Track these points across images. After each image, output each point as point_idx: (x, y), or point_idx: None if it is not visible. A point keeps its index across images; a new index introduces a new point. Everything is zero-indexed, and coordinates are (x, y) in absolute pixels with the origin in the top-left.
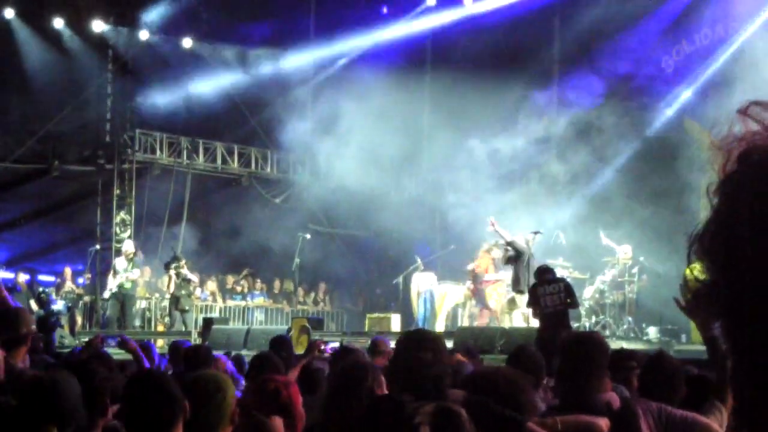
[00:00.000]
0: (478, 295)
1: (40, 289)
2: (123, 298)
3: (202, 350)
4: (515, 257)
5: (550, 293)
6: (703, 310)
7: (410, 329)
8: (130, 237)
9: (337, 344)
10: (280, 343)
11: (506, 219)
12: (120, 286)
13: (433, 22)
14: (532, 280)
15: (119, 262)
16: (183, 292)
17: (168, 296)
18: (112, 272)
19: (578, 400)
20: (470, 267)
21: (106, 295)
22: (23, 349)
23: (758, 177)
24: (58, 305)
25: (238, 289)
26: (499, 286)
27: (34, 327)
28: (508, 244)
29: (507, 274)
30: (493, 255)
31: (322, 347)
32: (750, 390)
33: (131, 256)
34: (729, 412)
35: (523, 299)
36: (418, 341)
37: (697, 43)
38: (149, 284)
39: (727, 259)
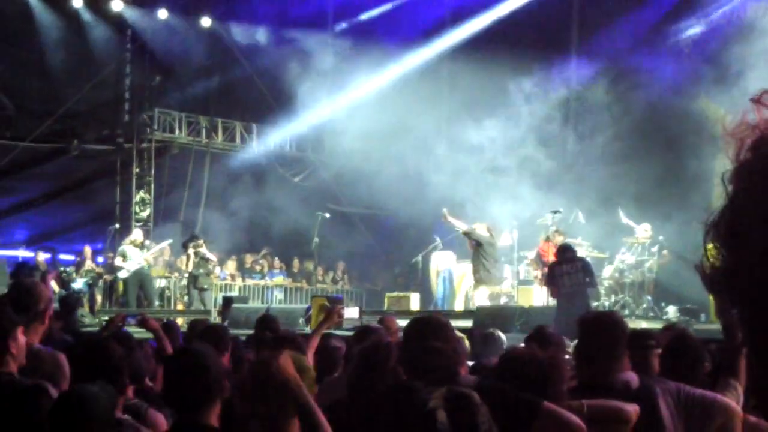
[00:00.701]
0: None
1: (61, 269)
2: (143, 278)
3: (218, 329)
4: (476, 246)
5: (567, 272)
6: (722, 291)
7: (418, 315)
8: (149, 216)
9: (355, 311)
10: (267, 321)
11: (524, 198)
12: (139, 268)
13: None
14: (495, 269)
15: (130, 250)
16: (201, 270)
17: (186, 275)
18: (120, 258)
19: (597, 380)
20: (532, 255)
21: (123, 275)
22: (40, 326)
23: None
24: (79, 284)
25: (257, 268)
26: None
27: (52, 304)
28: (465, 234)
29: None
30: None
31: (341, 312)
32: (763, 376)
33: (139, 243)
34: (743, 387)
35: (481, 288)
36: (428, 329)
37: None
38: (168, 263)
39: (742, 247)
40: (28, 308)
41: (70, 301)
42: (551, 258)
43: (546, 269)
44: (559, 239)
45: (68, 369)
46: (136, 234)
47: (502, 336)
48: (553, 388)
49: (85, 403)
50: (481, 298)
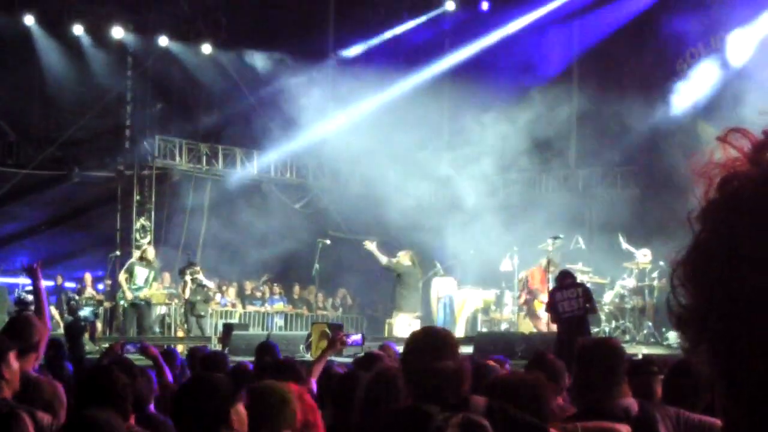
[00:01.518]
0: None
1: (69, 295)
2: (142, 308)
3: (218, 356)
4: (396, 276)
5: (567, 298)
6: (687, 329)
7: (419, 331)
8: (150, 243)
9: (359, 337)
10: (266, 348)
11: (526, 222)
12: (140, 298)
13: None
14: (412, 297)
15: (138, 269)
16: (198, 297)
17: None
18: (127, 275)
19: (596, 406)
20: (523, 276)
21: (123, 300)
22: (33, 356)
23: (737, 205)
24: (86, 312)
25: (258, 294)
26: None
27: (47, 334)
28: (385, 267)
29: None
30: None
31: (345, 339)
32: (735, 414)
33: (150, 258)
34: None
35: (400, 316)
36: (436, 347)
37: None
38: (169, 290)
39: (708, 287)
40: (23, 338)
41: (74, 329)
42: (536, 285)
43: (528, 294)
44: (551, 269)
45: (65, 398)
46: (147, 249)
47: None
48: (544, 410)
49: (94, 429)
50: (402, 326)
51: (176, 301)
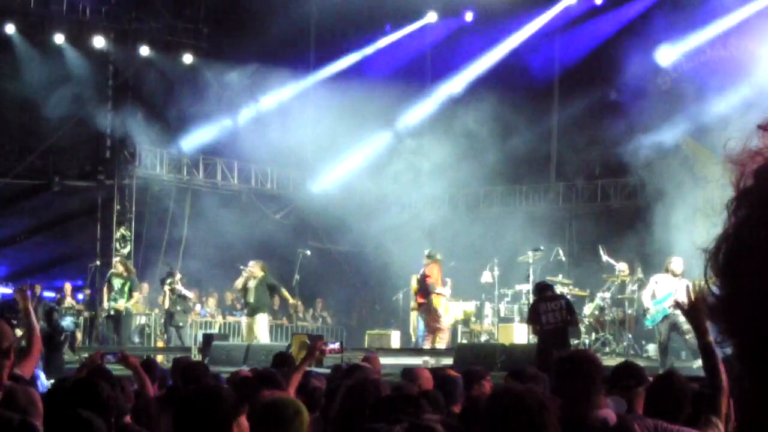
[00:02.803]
0: (426, 310)
1: (50, 305)
2: (118, 317)
3: (198, 367)
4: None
5: (552, 310)
6: (720, 321)
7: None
8: (129, 253)
9: (337, 345)
10: (283, 359)
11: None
12: (114, 308)
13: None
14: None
15: (115, 280)
16: (178, 308)
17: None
18: (106, 286)
19: (575, 418)
20: (416, 278)
21: (104, 312)
22: (6, 362)
23: None
24: (66, 321)
25: (238, 305)
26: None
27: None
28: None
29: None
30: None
31: (324, 347)
32: (763, 408)
33: (120, 272)
34: (724, 424)
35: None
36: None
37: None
38: (148, 300)
39: (741, 276)
40: None
41: (54, 341)
42: (434, 279)
43: (423, 294)
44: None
45: (41, 405)
46: (117, 263)
47: None
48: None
49: (84, 426)
50: (263, 325)
51: (156, 311)
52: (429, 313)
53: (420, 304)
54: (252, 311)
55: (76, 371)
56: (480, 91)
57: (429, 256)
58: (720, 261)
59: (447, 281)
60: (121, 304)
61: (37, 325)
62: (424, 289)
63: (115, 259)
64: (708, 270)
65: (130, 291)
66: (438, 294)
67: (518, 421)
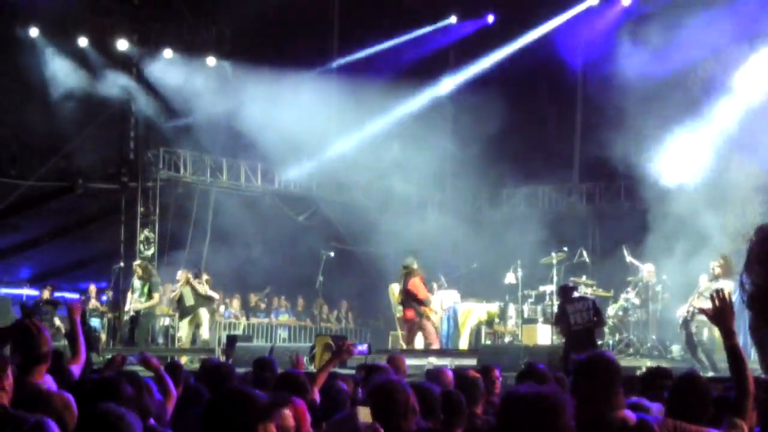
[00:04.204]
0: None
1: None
2: (137, 318)
3: (223, 369)
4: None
5: (579, 310)
6: (760, 309)
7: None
8: (153, 254)
9: (365, 347)
10: (263, 363)
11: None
12: (134, 310)
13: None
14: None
15: (136, 282)
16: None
17: None
18: (130, 290)
19: (594, 419)
20: (399, 290)
21: (126, 316)
22: (43, 367)
23: None
24: (94, 323)
25: (262, 306)
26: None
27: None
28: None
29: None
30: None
31: (351, 348)
32: None
33: (140, 275)
34: (749, 427)
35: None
36: None
37: None
38: (173, 301)
39: None
40: (31, 350)
41: (88, 338)
42: (423, 294)
43: (415, 311)
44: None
45: (76, 410)
46: (137, 266)
47: None
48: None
49: (115, 420)
50: (206, 321)
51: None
52: (421, 324)
53: (408, 320)
54: (192, 310)
55: (100, 372)
56: (503, 90)
57: (405, 267)
58: (763, 250)
59: (435, 284)
60: (140, 304)
61: (84, 348)
62: (412, 304)
63: (135, 263)
64: (749, 258)
65: (150, 292)
66: (431, 309)
67: (531, 423)
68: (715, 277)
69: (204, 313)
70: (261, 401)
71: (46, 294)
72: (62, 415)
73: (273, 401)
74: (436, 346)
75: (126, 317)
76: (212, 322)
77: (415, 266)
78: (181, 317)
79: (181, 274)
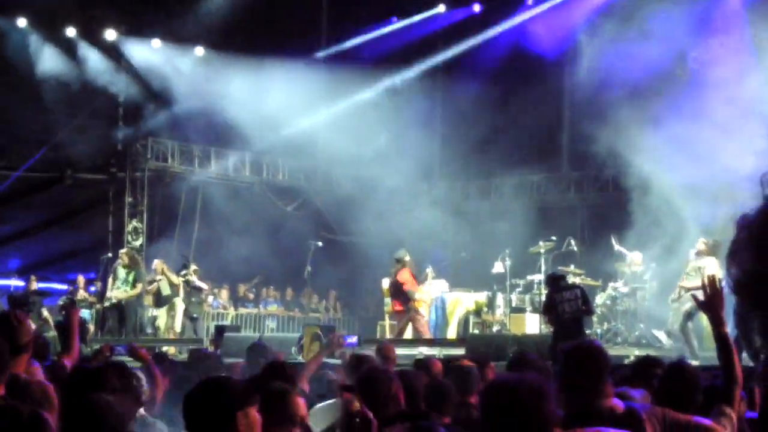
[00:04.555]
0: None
1: (70, 299)
2: (121, 307)
3: (211, 357)
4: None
5: (568, 299)
6: (748, 295)
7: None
8: (142, 245)
9: (355, 339)
10: (257, 349)
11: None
12: (116, 298)
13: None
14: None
15: (120, 272)
16: (192, 299)
17: None
18: (112, 276)
19: (583, 408)
20: (389, 283)
21: (107, 303)
22: (25, 357)
23: None
24: (83, 313)
25: (251, 296)
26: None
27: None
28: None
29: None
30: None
31: (342, 340)
32: None
33: (126, 264)
34: (737, 416)
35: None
36: None
37: None
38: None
39: None
40: (13, 340)
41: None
42: (410, 286)
43: (402, 302)
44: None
45: (56, 400)
46: (123, 254)
47: None
48: (543, 416)
49: (98, 411)
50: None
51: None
52: (411, 318)
53: (397, 312)
54: (166, 301)
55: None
56: (491, 79)
57: (398, 260)
58: (750, 235)
59: (427, 273)
60: (124, 293)
61: (78, 343)
62: (400, 296)
63: (122, 251)
64: (735, 243)
65: (134, 281)
66: (419, 300)
67: (513, 411)
68: (699, 254)
69: (179, 302)
70: (239, 389)
71: (33, 285)
72: (41, 404)
73: (270, 389)
74: (424, 330)
75: (107, 303)
76: (201, 312)
77: (407, 259)
78: (158, 307)
79: (156, 264)
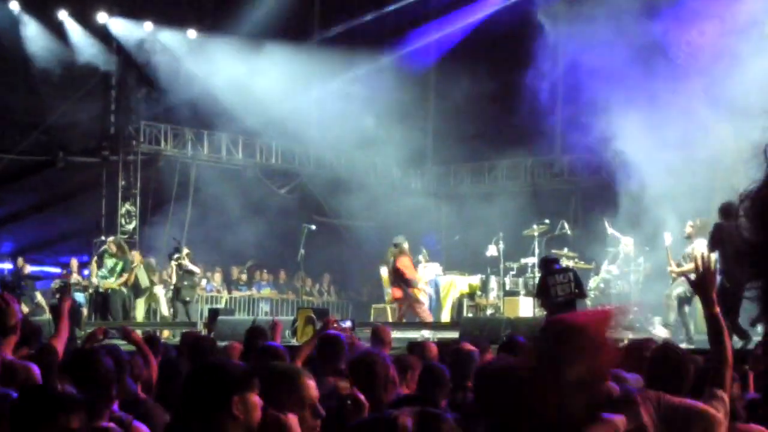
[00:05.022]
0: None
1: (64, 282)
2: (106, 296)
3: (205, 341)
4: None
5: (560, 282)
6: (750, 264)
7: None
8: (135, 228)
9: (349, 323)
10: (256, 332)
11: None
12: (103, 286)
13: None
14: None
15: (108, 259)
16: (185, 283)
17: (172, 288)
18: (95, 261)
19: None
20: (387, 271)
21: (91, 290)
22: (12, 339)
23: None
24: (78, 297)
25: (244, 279)
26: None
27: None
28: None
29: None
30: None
31: (336, 324)
32: None
33: (113, 251)
34: (729, 398)
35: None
36: None
37: None
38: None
39: None
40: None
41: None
42: (411, 274)
43: (402, 288)
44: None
45: (40, 380)
46: (111, 243)
47: None
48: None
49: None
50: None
51: (162, 286)
52: (409, 305)
53: (397, 299)
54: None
55: (80, 346)
56: (484, 62)
57: (396, 246)
58: (754, 206)
59: (420, 257)
60: (111, 283)
61: (68, 326)
62: (400, 283)
63: (110, 239)
64: (740, 213)
65: (122, 271)
66: (419, 289)
67: (505, 395)
68: (688, 237)
69: (159, 290)
70: (236, 372)
71: (26, 269)
72: (25, 384)
73: (278, 369)
74: (425, 315)
75: (91, 290)
76: (193, 295)
77: (406, 245)
78: (136, 297)
79: (135, 255)
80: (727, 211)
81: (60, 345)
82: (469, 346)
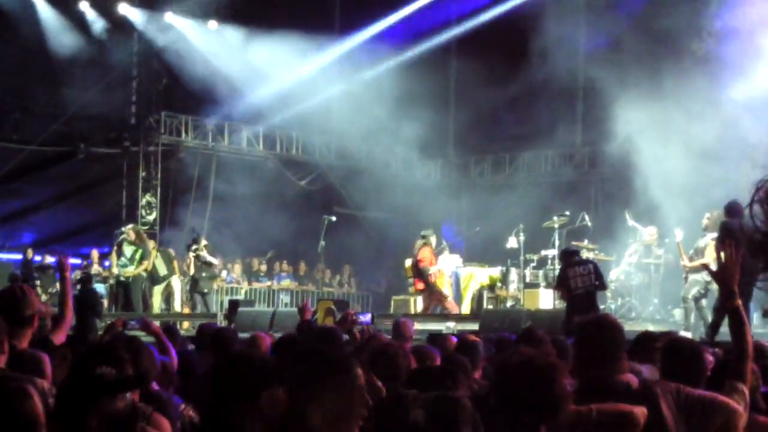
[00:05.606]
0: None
1: (87, 273)
2: (127, 284)
3: (227, 333)
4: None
5: (580, 274)
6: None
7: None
8: (155, 219)
9: (368, 317)
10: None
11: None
12: (124, 275)
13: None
14: None
15: (126, 248)
16: (204, 274)
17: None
18: (115, 250)
19: (598, 383)
20: (411, 263)
21: (112, 280)
22: (28, 330)
23: None
24: (98, 288)
25: (264, 270)
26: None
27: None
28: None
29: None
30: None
31: (355, 317)
32: None
33: (132, 239)
34: (750, 390)
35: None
36: None
37: None
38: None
39: None
40: (16, 312)
41: (90, 303)
42: (428, 264)
43: (421, 279)
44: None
45: (49, 368)
46: (130, 230)
47: None
48: (555, 392)
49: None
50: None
51: (182, 277)
52: (432, 296)
53: (420, 290)
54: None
55: (99, 338)
56: (503, 53)
57: (423, 237)
58: None
59: (443, 250)
60: (131, 270)
61: (71, 296)
62: (421, 275)
63: (128, 227)
64: (756, 204)
65: (141, 259)
66: (432, 274)
67: (526, 387)
68: (704, 229)
69: (175, 281)
70: (267, 366)
71: (45, 257)
72: (33, 372)
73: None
74: (448, 305)
75: (112, 281)
76: (211, 287)
77: (433, 239)
78: (153, 285)
79: (150, 243)
80: (732, 209)
81: (59, 338)
82: (473, 337)
